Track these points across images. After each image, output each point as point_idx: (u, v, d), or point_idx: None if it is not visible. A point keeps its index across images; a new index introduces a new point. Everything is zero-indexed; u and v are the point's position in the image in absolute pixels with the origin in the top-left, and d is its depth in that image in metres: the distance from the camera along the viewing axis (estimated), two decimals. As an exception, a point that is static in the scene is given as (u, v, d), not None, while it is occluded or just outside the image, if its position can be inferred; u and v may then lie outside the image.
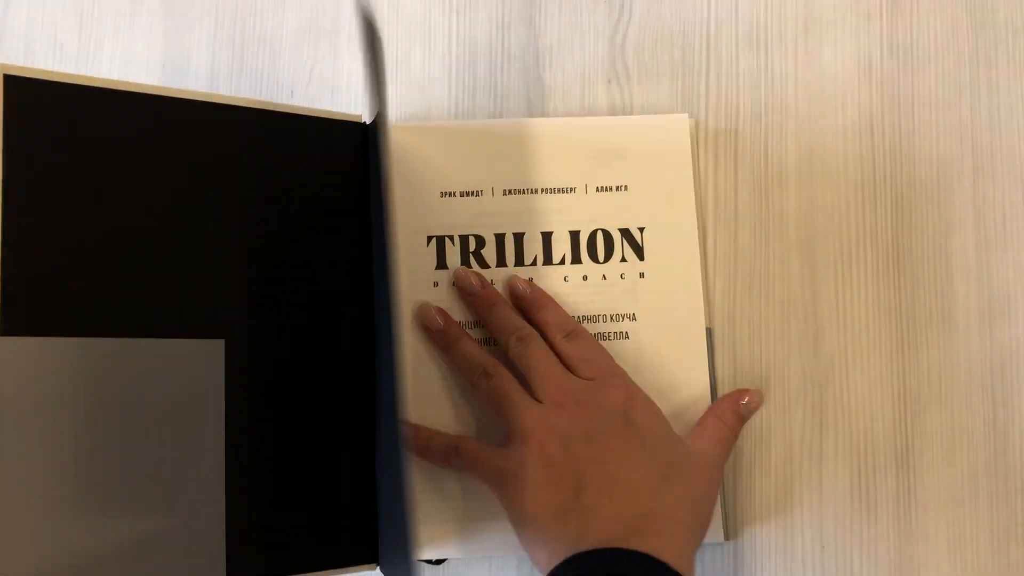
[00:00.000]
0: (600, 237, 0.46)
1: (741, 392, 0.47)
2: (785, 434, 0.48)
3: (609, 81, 0.50)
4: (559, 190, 0.47)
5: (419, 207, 0.46)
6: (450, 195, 0.46)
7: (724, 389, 0.48)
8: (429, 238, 0.46)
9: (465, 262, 0.46)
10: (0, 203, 0.34)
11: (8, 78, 0.35)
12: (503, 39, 0.50)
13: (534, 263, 0.46)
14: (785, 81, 0.50)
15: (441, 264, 0.46)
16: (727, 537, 0.46)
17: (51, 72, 0.36)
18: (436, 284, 0.46)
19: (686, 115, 0.49)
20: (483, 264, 0.46)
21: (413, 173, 0.46)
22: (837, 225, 0.49)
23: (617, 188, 0.47)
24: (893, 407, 0.48)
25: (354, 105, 0.49)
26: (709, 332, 0.47)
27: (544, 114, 0.49)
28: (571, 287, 0.46)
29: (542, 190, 0.47)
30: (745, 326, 0.48)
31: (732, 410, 0.46)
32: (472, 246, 0.46)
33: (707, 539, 0.45)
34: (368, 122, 0.44)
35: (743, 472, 0.47)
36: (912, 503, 0.47)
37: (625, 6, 0.50)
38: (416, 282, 0.45)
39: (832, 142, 0.49)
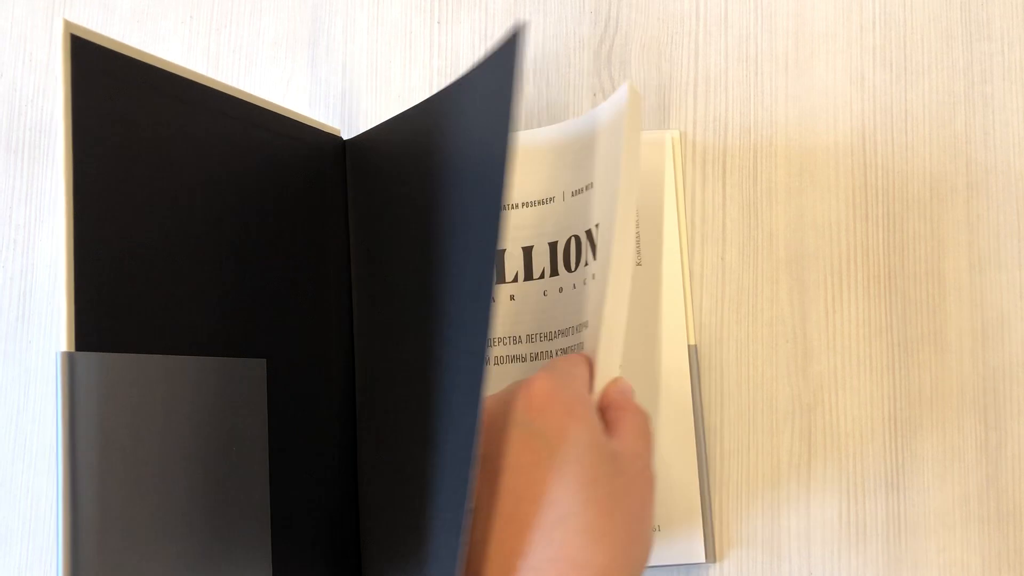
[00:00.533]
0: (573, 245, 0.45)
1: (617, 380, 0.39)
2: (772, 457, 0.46)
3: (595, 94, 0.48)
4: (537, 202, 0.45)
5: None
6: None
7: (710, 410, 0.46)
8: None
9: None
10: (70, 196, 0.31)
11: (78, 41, 0.31)
12: (485, 49, 0.49)
13: (515, 279, 0.45)
14: (775, 95, 0.49)
15: None
16: (708, 558, 0.45)
17: (119, 43, 0.32)
18: None
19: (669, 132, 0.47)
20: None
21: None
22: (827, 243, 0.48)
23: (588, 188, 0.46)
24: (883, 429, 0.47)
25: (333, 118, 0.48)
26: (694, 349, 0.46)
27: (527, 127, 0.48)
28: (550, 300, 0.45)
29: (521, 204, 0.45)
30: (732, 346, 0.47)
31: (629, 397, 0.38)
32: None
33: (688, 559, 0.44)
34: (346, 138, 0.43)
35: (729, 495, 0.46)
36: (902, 528, 0.46)
37: (611, 17, 0.49)
38: None
39: (823, 158, 0.48)
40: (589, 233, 0.43)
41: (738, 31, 0.49)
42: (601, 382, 0.38)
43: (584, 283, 0.43)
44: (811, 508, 0.46)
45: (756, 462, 0.46)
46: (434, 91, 0.48)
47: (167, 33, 0.49)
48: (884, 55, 0.49)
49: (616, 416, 0.36)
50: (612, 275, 0.38)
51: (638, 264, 0.46)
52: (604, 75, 0.49)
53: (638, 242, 0.46)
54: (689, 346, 0.46)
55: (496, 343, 0.44)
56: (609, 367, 0.38)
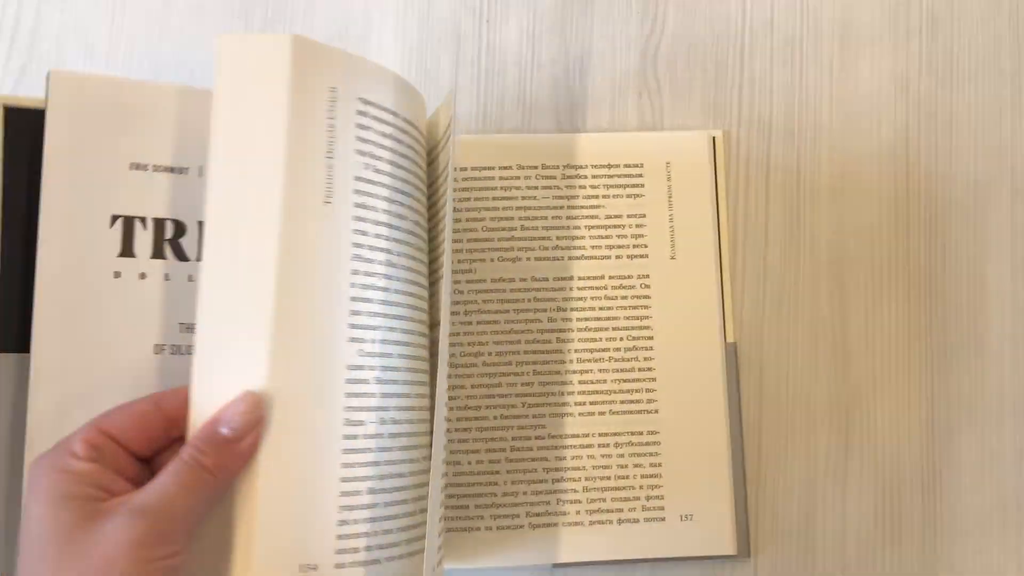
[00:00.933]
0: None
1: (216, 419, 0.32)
2: (809, 456, 0.47)
3: (640, 94, 0.49)
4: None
5: None
6: None
7: (747, 407, 0.47)
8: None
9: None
10: None
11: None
12: (533, 49, 0.49)
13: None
14: (820, 98, 0.49)
15: None
16: (741, 552, 0.45)
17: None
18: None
19: (711, 132, 0.48)
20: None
21: None
22: (869, 246, 0.48)
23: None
24: (921, 432, 0.47)
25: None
26: (733, 347, 0.47)
27: (573, 126, 0.49)
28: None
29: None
30: (772, 346, 0.47)
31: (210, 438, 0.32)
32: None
33: (722, 551, 0.44)
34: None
35: (765, 491, 0.47)
36: (938, 530, 0.46)
37: (658, 18, 0.49)
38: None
39: (866, 161, 0.49)
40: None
41: (784, 34, 0.49)
42: (197, 412, 0.33)
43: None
44: (847, 507, 0.47)
45: (792, 460, 0.47)
46: (482, 89, 0.49)
47: (221, 29, 0.50)
48: (930, 60, 0.49)
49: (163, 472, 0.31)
50: (203, 287, 0.33)
51: (672, 258, 0.46)
52: (650, 75, 0.49)
53: (672, 235, 0.47)
54: (728, 343, 0.47)
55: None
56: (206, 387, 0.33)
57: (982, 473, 0.46)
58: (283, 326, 0.34)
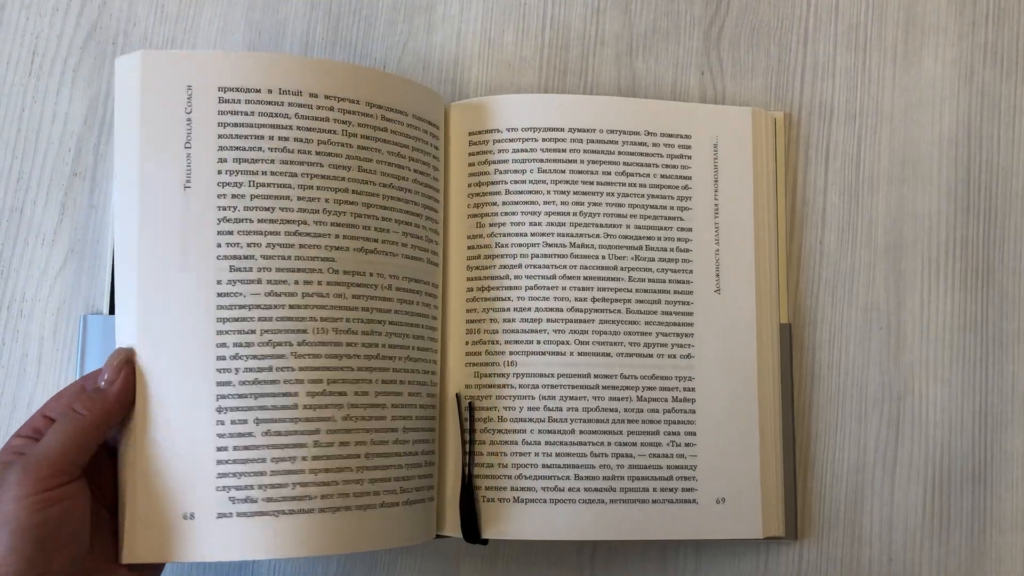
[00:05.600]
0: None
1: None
2: (859, 441, 0.47)
3: (702, 73, 0.49)
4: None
5: None
6: None
7: (799, 389, 0.47)
8: None
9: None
10: None
11: None
12: (597, 24, 0.50)
13: None
14: (882, 84, 0.49)
15: None
16: (789, 535, 0.45)
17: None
18: None
19: (772, 113, 0.48)
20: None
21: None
22: (927, 233, 0.48)
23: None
24: (973, 422, 0.47)
25: (445, 84, 0.49)
26: (787, 328, 0.47)
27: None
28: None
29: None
30: (826, 328, 0.47)
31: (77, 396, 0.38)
32: None
33: (770, 533, 0.44)
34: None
35: (814, 475, 0.46)
36: (987, 522, 0.46)
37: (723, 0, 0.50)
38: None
39: (927, 149, 0.48)
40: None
41: (848, 19, 0.49)
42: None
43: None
44: (895, 495, 0.46)
45: (842, 445, 0.47)
46: (544, 62, 0.50)
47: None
48: (995, 50, 0.49)
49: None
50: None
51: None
52: (713, 55, 0.49)
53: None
54: (782, 324, 0.46)
55: None
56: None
57: (1035, 466, 0.46)
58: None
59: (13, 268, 0.48)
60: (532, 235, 0.45)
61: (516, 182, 0.45)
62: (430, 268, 0.44)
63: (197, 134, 0.40)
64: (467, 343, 0.45)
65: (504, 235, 0.45)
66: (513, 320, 0.44)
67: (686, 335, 0.45)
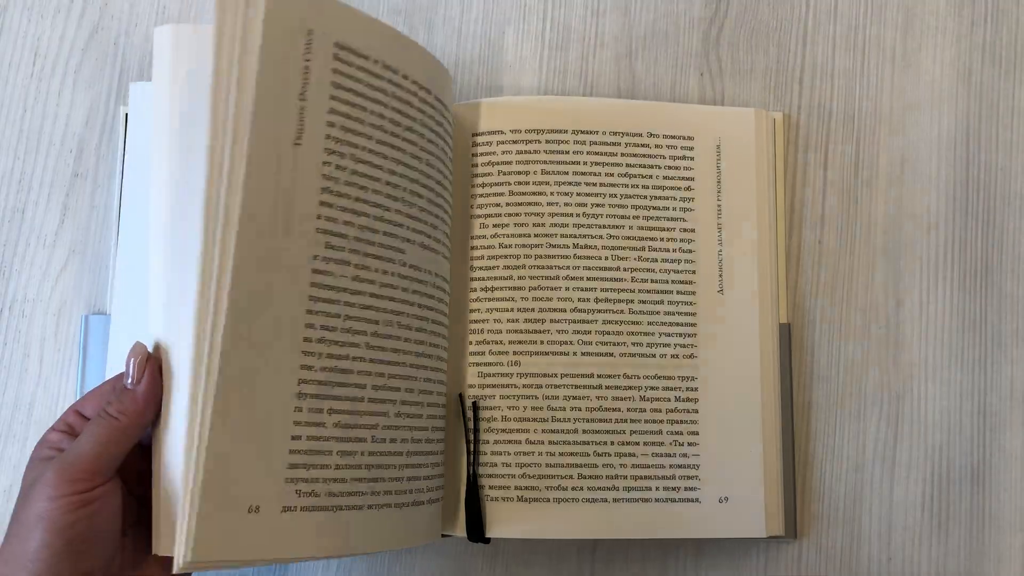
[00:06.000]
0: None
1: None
2: (858, 440, 0.47)
3: (702, 74, 0.49)
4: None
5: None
6: None
7: (798, 388, 0.47)
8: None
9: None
10: None
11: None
12: (597, 25, 0.50)
13: None
14: (881, 85, 0.49)
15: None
16: (788, 533, 0.45)
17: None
18: None
19: (771, 113, 0.48)
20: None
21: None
22: (925, 233, 0.48)
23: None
24: (972, 422, 0.47)
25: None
26: (786, 328, 0.47)
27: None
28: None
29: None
30: (824, 328, 0.48)
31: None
32: None
33: (775, 531, 0.44)
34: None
35: (812, 474, 0.47)
36: (987, 522, 0.46)
37: (722, 0, 0.50)
38: None
39: (925, 150, 0.49)
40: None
41: (847, 20, 0.50)
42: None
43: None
44: (894, 494, 0.46)
45: (842, 444, 0.47)
46: (544, 63, 0.50)
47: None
48: (994, 51, 0.49)
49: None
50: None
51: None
52: (712, 56, 0.49)
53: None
54: (781, 324, 0.47)
55: None
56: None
57: (1033, 465, 0.46)
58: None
59: (15, 269, 0.48)
60: (536, 236, 0.45)
61: (520, 183, 0.45)
62: (448, 266, 0.44)
63: (313, 88, 0.36)
64: (471, 343, 0.45)
65: (508, 236, 0.45)
66: (517, 320, 0.44)
67: (689, 335, 0.45)
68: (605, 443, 0.44)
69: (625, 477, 0.44)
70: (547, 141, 0.46)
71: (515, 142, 0.46)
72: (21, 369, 0.47)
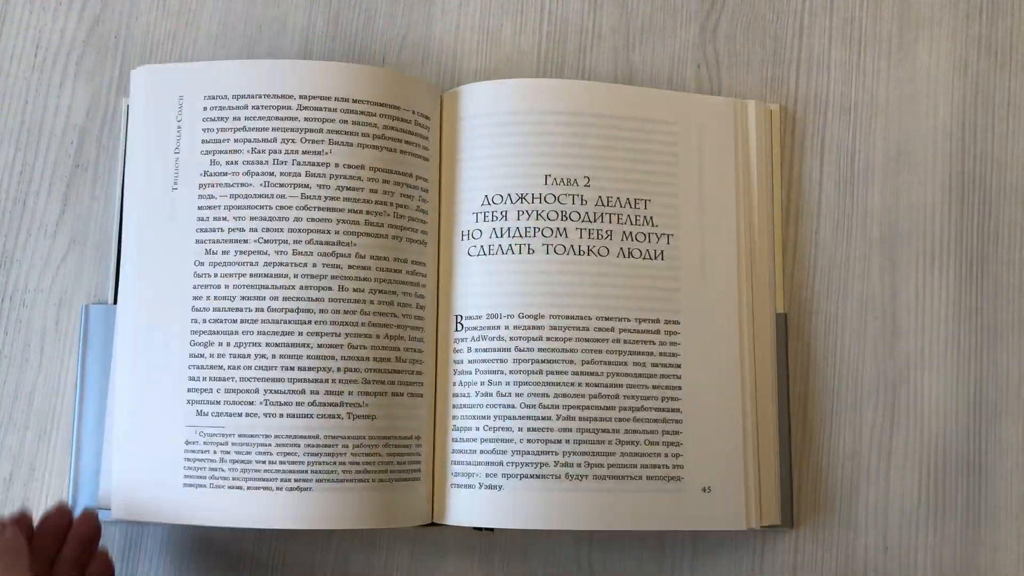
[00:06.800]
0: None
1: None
2: (854, 430, 0.47)
3: (698, 66, 0.50)
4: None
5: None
6: None
7: (795, 378, 0.47)
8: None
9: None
10: None
11: None
12: (595, 18, 0.50)
13: None
14: (877, 76, 0.49)
15: None
16: (784, 523, 0.45)
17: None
18: None
19: (768, 105, 0.48)
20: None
21: None
22: (921, 224, 0.48)
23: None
24: (968, 412, 0.47)
25: (443, 75, 0.50)
26: (783, 318, 0.47)
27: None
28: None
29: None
30: (821, 319, 0.48)
31: None
32: None
33: (766, 520, 0.44)
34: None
35: (809, 464, 0.47)
36: (982, 511, 0.46)
37: (720, -8, 0.50)
38: None
39: (921, 141, 0.49)
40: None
41: (843, 13, 0.50)
42: None
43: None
44: (891, 484, 0.47)
45: (838, 434, 0.47)
46: (542, 56, 0.50)
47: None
48: (989, 43, 0.49)
49: None
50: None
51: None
52: (709, 48, 0.50)
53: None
54: (778, 314, 0.47)
55: None
56: None
57: (1029, 455, 0.46)
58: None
59: (16, 259, 0.48)
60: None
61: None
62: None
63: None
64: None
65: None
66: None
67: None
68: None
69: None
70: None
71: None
72: (22, 358, 0.47)
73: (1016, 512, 0.46)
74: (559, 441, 0.44)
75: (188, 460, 0.43)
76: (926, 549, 0.46)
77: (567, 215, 0.45)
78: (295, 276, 0.43)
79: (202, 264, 0.43)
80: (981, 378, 0.47)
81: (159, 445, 0.43)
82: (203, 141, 0.44)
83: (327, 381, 0.42)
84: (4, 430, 0.47)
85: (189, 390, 0.43)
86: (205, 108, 0.44)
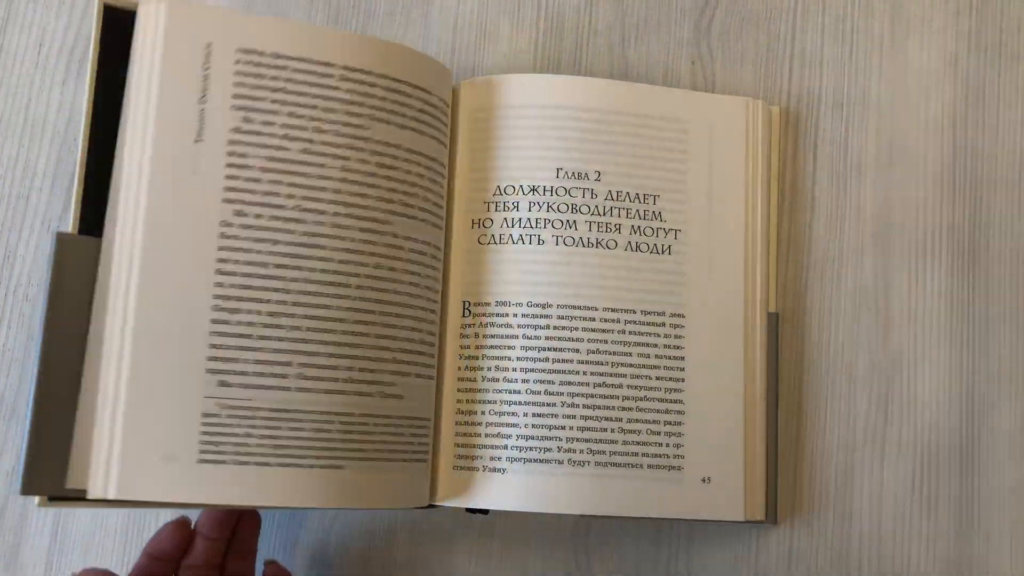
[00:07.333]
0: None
1: None
2: (848, 422, 0.47)
3: (693, 62, 0.50)
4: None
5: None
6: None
7: (787, 375, 0.48)
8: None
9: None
10: None
11: None
12: (591, 15, 0.51)
13: None
14: (869, 73, 0.50)
15: None
16: (780, 514, 0.46)
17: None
18: None
19: (770, 107, 0.49)
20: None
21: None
22: (914, 218, 0.49)
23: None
24: (960, 403, 0.47)
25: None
26: (775, 317, 0.48)
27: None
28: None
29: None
30: (814, 313, 0.48)
31: None
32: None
33: (764, 511, 0.45)
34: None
35: (804, 457, 0.47)
36: (975, 501, 0.47)
37: (714, -10, 0.51)
38: None
39: (913, 136, 0.49)
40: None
41: (836, 10, 0.51)
42: None
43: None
44: (884, 475, 0.47)
45: (832, 426, 0.47)
46: (539, 52, 0.51)
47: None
48: (979, 39, 0.50)
49: None
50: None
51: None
52: (703, 45, 0.50)
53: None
54: (769, 313, 0.47)
55: None
56: None
57: (1021, 446, 0.47)
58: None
59: (19, 254, 0.49)
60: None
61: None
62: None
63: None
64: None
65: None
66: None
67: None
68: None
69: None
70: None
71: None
72: (25, 354, 0.48)
73: (1009, 502, 0.47)
74: (563, 427, 0.44)
75: (206, 434, 0.39)
76: (920, 539, 0.47)
77: (577, 208, 0.46)
78: (334, 248, 0.41)
79: (230, 225, 0.40)
80: (973, 369, 0.48)
81: (168, 417, 0.39)
82: (235, 96, 0.41)
83: (363, 358, 0.42)
84: (7, 424, 0.47)
85: (210, 359, 0.40)
86: (238, 61, 0.41)
